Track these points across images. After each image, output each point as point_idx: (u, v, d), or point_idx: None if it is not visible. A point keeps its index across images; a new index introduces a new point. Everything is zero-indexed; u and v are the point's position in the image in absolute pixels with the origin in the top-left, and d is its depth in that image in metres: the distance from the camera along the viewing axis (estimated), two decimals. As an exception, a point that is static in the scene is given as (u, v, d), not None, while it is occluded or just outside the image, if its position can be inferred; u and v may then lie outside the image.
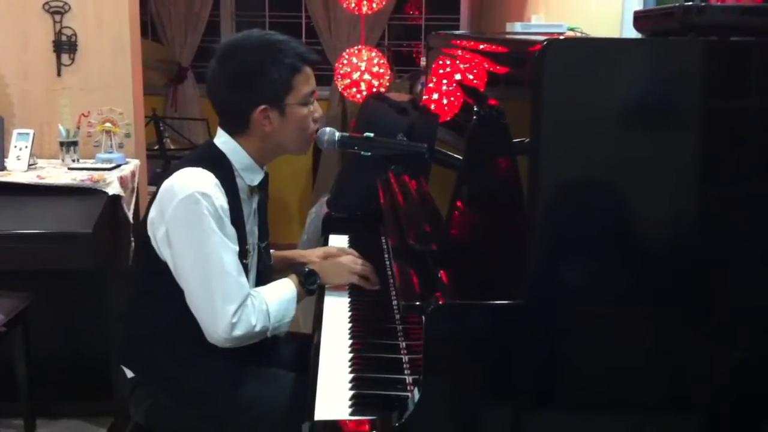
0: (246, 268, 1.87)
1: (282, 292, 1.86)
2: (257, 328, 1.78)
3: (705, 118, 1.29)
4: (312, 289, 1.94)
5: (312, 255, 2.21)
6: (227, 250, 1.76)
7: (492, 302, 1.25)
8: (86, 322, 3.12)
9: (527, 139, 1.28)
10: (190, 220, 1.74)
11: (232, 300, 1.74)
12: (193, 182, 1.76)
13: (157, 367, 1.86)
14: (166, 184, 1.79)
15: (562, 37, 1.48)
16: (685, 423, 1.36)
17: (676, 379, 1.34)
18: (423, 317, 1.24)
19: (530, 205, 1.27)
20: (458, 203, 1.53)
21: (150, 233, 1.82)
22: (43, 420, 2.97)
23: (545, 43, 1.21)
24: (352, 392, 1.46)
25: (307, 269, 1.94)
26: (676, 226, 1.29)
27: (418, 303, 1.30)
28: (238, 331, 1.75)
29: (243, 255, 1.85)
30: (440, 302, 1.24)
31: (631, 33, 2.28)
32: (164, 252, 1.79)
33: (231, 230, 1.79)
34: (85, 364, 3.09)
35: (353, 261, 2.03)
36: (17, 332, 2.74)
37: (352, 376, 1.52)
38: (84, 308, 3.12)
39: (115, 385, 2.93)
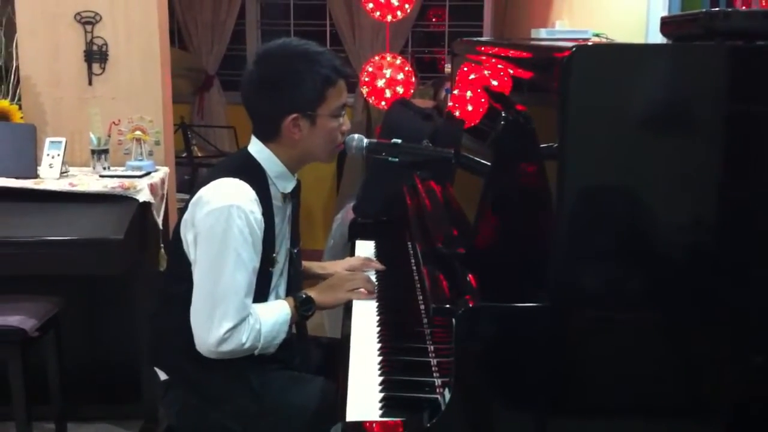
0: (270, 276, 1.90)
1: (277, 315, 1.88)
2: (246, 346, 1.80)
3: (732, 123, 1.30)
4: (305, 315, 1.95)
5: (334, 268, 2.23)
6: (243, 270, 1.78)
7: (520, 305, 1.27)
8: (116, 326, 3.16)
9: (554, 144, 1.29)
10: (216, 232, 1.77)
11: (230, 318, 1.77)
12: (230, 194, 1.79)
13: (183, 367, 1.90)
14: (203, 191, 1.82)
15: (589, 43, 1.49)
16: (709, 427, 1.37)
17: (702, 384, 1.34)
18: (453, 320, 1.26)
19: (557, 209, 1.29)
20: (486, 208, 1.55)
21: (182, 236, 1.85)
22: (74, 423, 3.00)
23: (573, 49, 1.22)
24: (382, 394, 1.48)
25: (304, 295, 1.95)
26: (705, 231, 1.30)
27: (448, 306, 1.32)
28: (227, 347, 1.78)
29: (270, 263, 1.88)
30: (470, 305, 1.26)
31: (656, 38, 2.28)
32: (192, 255, 1.83)
33: (259, 245, 1.82)
34: (114, 367, 3.13)
35: (345, 278, 2.06)
36: (50, 337, 2.78)
37: (381, 378, 1.54)
38: (114, 313, 3.16)
39: (144, 388, 2.98)
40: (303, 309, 1.93)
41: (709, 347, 1.33)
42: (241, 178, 1.83)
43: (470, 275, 1.41)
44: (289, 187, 1.95)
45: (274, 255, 1.91)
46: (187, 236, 1.84)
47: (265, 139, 1.91)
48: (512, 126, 1.51)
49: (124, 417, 3.11)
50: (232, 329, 1.77)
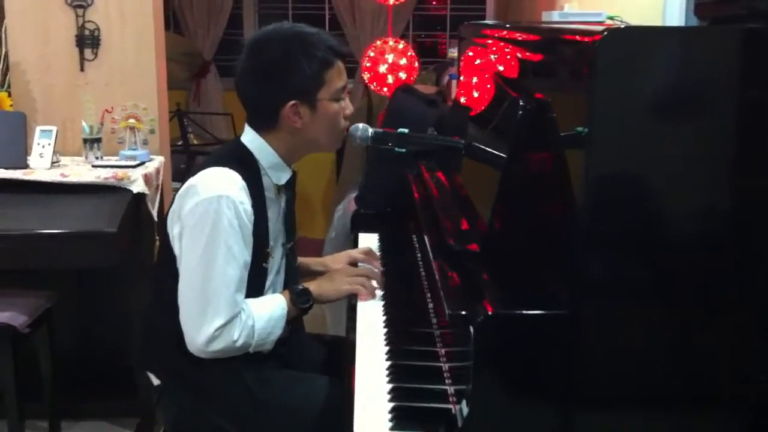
0: (265, 272, 1.81)
1: (272, 309, 1.77)
2: (238, 344, 1.71)
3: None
4: (304, 308, 1.84)
5: (335, 263, 2.13)
6: (233, 263, 1.69)
7: (543, 312, 1.17)
8: (111, 321, 3.09)
9: (578, 133, 1.20)
10: (205, 224, 1.68)
11: (221, 315, 1.67)
12: (218, 184, 1.70)
13: (177, 367, 1.80)
14: (190, 182, 1.73)
15: (623, 26, 1.39)
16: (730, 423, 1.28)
17: (733, 384, 1.26)
18: (471, 328, 1.16)
19: (584, 203, 1.19)
20: (502, 202, 1.45)
21: (169, 230, 1.76)
22: (68, 422, 2.93)
23: (605, 32, 1.12)
24: (391, 404, 1.38)
25: (300, 287, 1.85)
26: (741, 231, 1.20)
27: (464, 313, 1.22)
28: (217, 345, 1.69)
29: (263, 258, 1.79)
30: (489, 312, 1.16)
31: (674, 21, 2.18)
32: (177, 249, 1.74)
33: (249, 238, 1.73)
34: (110, 363, 3.05)
35: (348, 269, 1.96)
36: (42, 332, 2.70)
37: (390, 386, 1.44)
38: (109, 307, 3.09)
39: (140, 385, 2.89)
40: (300, 301, 1.82)
41: (746, 346, 1.23)
42: (230, 167, 1.73)
43: (487, 277, 1.30)
44: (283, 178, 1.85)
45: (267, 250, 1.81)
46: (173, 229, 1.75)
47: (262, 129, 1.81)
48: (530, 115, 1.41)
49: (120, 414, 3.03)
50: (223, 327, 1.68)
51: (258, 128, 1.82)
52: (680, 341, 1.24)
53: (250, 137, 1.82)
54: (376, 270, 2.03)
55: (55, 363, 2.77)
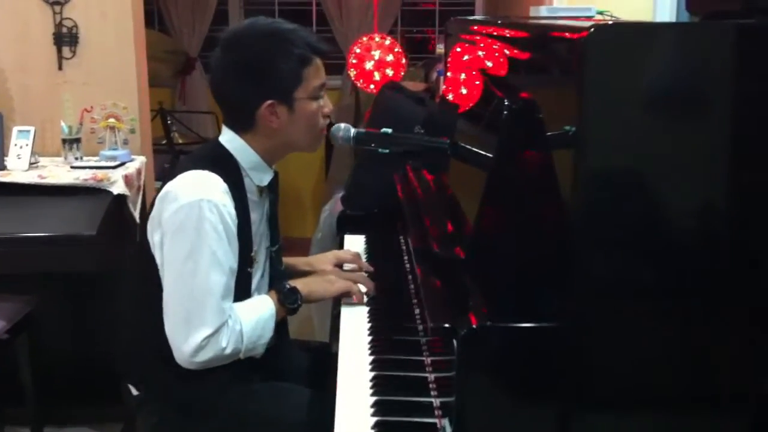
0: (250, 277, 1.74)
1: (259, 312, 1.70)
2: (227, 351, 1.63)
3: (761, 105, 1.15)
4: (293, 308, 1.77)
5: (321, 263, 2.07)
6: (218, 269, 1.62)
7: (532, 324, 1.11)
8: (94, 325, 3.01)
9: (566, 132, 1.14)
10: (187, 230, 1.61)
11: (207, 324, 1.61)
12: (199, 187, 1.63)
13: (157, 379, 1.73)
14: (169, 186, 1.66)
15: (610, 22, 1.33)
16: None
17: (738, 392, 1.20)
18: (454, 341, 1.10)
19: (573, 205, 1.14)
20: (488, 206, 1.39)
21: (149, 237, 1.69)
22: (51, 428, 2.87)
23: (592, 28, 1.06)
24: (374, 419, 1.32)
25: (288, 286, 1.77)
26: (740, 228, 1.15)
27: (447, 325, 1.16)
28: (205, 355, 1.62)
29: (248, 263, 1.72)
30: (473, 324, 1.10)
31: (665, 17, 2.13)
32: (158, 258, 1.67)
33: (234, 242, 1.66)
34: (93, 368, 2.97)
35: (339, 272, 1.89)
36: (22, 337, 2.64)
37: (374, 399, 1.38)
38: (91, 311, 3.01)
39: (124, 390, 2.82)
40: (288, 301, 1.75)
41: (747, 346, 1.18)
42: (210, 170, 1.66)
43: (472, 285, 1.25)
44: (265, 179, 1.79)
45: (252, 254, 1.74)
46: (153, 237, 1.68)
47: (238, 130, 1.75)
48: (516, 115, 1.35)
49: (105, 420, 2.97)
50: (210, 336, 1.61)
51: (235, 128, 1.75)
52: (685, 349, 1.18)
53: (228, 137, 1.75)
54: (365, 274, 1.97)
55: (37, 368, 2.70)
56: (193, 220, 1.60)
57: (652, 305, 1.16)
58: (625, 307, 1.15)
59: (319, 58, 1.72)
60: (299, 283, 1.81)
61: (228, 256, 1.64)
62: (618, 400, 1.19)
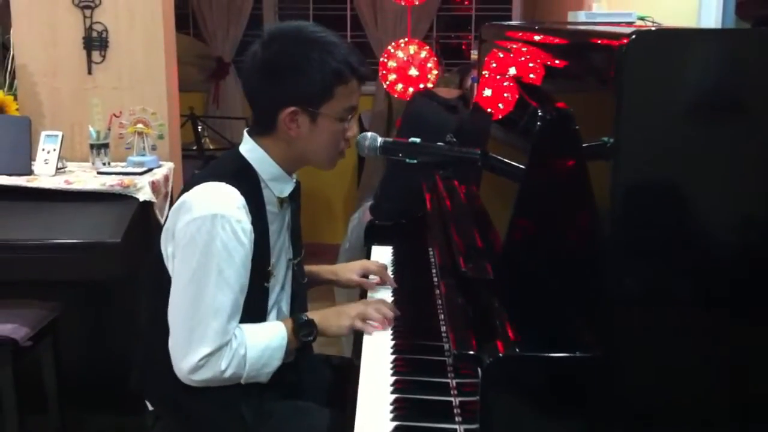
0: (266, 292, 1.69)
1: (270, 338, 1.63)
2: (227, 374, 1.57)
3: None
4: (306, 341, 1.70)
5: (347, 271, 2.00)
6: (226, 289, 1.56)
7: (566, 354, 1.03)
8: (119, 332, 2.99)
9: (604, 143, 1.06)
10: (196, 245, 1.55)
11: (208, 343, 1.55)
12: (213, 201, 1.57)
13: (170, 395, 1.68)
14: (185, 197, 1.60)
15: (652, 28, 1.25)
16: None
17: None
18: (479, 370, 1.02)
19: (610, 223, 1.05)
20: (519, 220, 1.31)
21: (163, 249, 1.64)
22: (74, 435, 2.84)
23: (632, 35, 0.98)
24: (394, 446, 1.25)
25: (305, 318, 1.70)
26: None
27: (472, 353, 1.08)
28: (202, 375, 1.56)
29: (265, 277, 1.66)
30: (500, 353, 1.02)
31: (710, 22, 2.02)
32: (171, 269, 1.62)
33: (247, 260, 1.60)
34: (116, 376, 2.93)
35: (355, 307, 1.79)
36: (45, 344, 2.61)
37: (394, 425, 1.31)
38: (116, 318, 3.00)
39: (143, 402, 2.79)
40: (302, 333, 1.68)
41: None
42: (227, 182, 1.60)
43: (499, 307, 1.17)
44: (286, 190, 1.72)
45: (269, 269, 1.68)
46: (167, 249, 1.63)
47: (260, 134, 1.69)
48: (551, 125, 1.27)
49: (129, 429, 2.92)
50: (209, 356, 1.55)
51: (259, 133, 1.69)
52: (724, 382, 1.09)
53: (248, 147, 1.69)
54: (390, 293, 1.89)
55: (60, 376, 2.68)
56: (203, 235, 1.55)
57: (700, 335, 1.07)
58: (665, 335, 1.06)
59: (356, 81, 1.65)
60: (317, 315, 1.73)
61: (238, 275, 1.58)
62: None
